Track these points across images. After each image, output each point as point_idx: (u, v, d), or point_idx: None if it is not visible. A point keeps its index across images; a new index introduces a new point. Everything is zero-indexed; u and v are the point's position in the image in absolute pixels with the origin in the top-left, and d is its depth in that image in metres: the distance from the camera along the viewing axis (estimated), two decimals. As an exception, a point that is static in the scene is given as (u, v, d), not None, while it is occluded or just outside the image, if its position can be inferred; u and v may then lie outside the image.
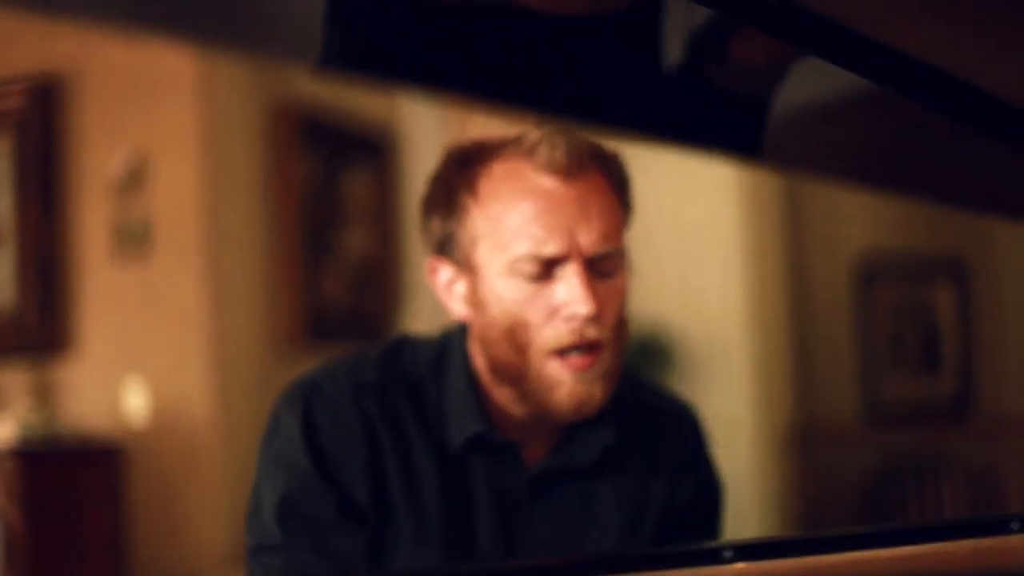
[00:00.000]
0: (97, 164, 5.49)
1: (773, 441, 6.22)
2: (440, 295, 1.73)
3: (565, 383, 1.63)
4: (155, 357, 5.31)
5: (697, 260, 6.36)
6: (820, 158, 1.64)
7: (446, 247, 1.70)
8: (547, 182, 1.63)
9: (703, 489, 1.88)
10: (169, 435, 5.06)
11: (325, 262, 5.49)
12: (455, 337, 1.76)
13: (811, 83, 1.41)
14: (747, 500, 5.99)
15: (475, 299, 1.68)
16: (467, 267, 1.67)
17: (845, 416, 6.39)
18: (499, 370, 1.67)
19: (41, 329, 5.58)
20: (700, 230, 6.36)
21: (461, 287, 1.70)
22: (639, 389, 1.88)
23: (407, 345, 1.79)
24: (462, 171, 1.68)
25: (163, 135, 5.34)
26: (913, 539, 1.36)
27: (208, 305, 5.22)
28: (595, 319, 1.62)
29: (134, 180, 5.37)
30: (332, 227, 5.51)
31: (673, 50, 1.48)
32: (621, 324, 1.69)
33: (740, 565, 1.24)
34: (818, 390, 6.43)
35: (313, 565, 1.64)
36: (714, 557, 1.25)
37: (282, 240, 5.53)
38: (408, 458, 1.69)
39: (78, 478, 5.18)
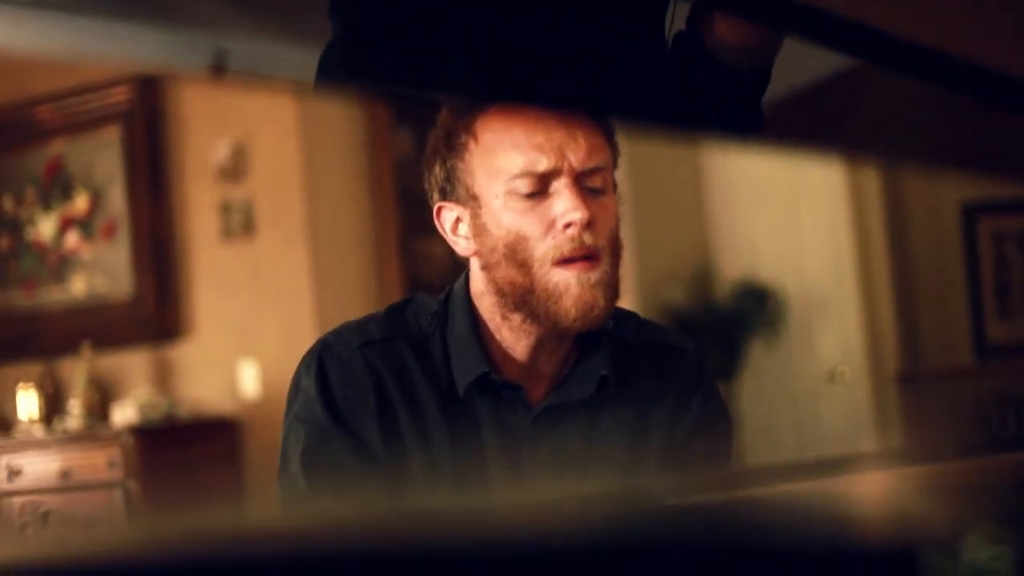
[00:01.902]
0: (202, 152, 5.61)
1: (882, 386, 6.22)
2: (447, 237, 1.83)
3: (571, 287, 1.72)
4: (266, 335, 5.43)
5: (801, 213, 6.36)
6: (822, 134, 1.69)
7: (448, 188, 1.80)
8: (536, 112, 1.72)
9: (707, 418, 1.93)
10: (281, 408, 5.17)
11: (427, 233, 5.57)
12: (458, 289, 1.87)
13: (805, 62, 1.46)
14: (856, 444, 6.00)
15: (478, 227, 1.77)
16: (468, 199, 1.77)
17: (953, 360, 6.36)
18: (507, 292, 1.76)
19: (157, 315, 5.72)
20: (805, 188, 6.36)
21: (464, 225, 1.79)
22: (640, 326, 1.95)
23: (412, 303, 1.90)
24: (459, 116, 1.78)
25: (263, 118, 5.45)
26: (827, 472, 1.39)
27: (314, 281, 5.33)
28: (589, 226, 1.71)
29: (237, 165, 5.48)
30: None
31: (667, 33, 1.54)
32: (616, 241, 1.77)
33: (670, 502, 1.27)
34: (925, 336, 6.41)
35: (337, 505, 1.78)
36: (648, 496, 1.28)
37: (382, 214, 5.62)
38: (416, 405, 1.81)
39: (196, 453, 5.33)
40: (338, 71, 1.37)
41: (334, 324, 5.58)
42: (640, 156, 6.05)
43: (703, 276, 6.37)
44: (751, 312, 6.23)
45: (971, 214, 6.36)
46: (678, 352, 1.96)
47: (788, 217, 6.41)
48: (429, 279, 5.52)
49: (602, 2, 1.49)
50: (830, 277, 6.33)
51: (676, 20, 1.53)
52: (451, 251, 1.86)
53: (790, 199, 6.39)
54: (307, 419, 1.81)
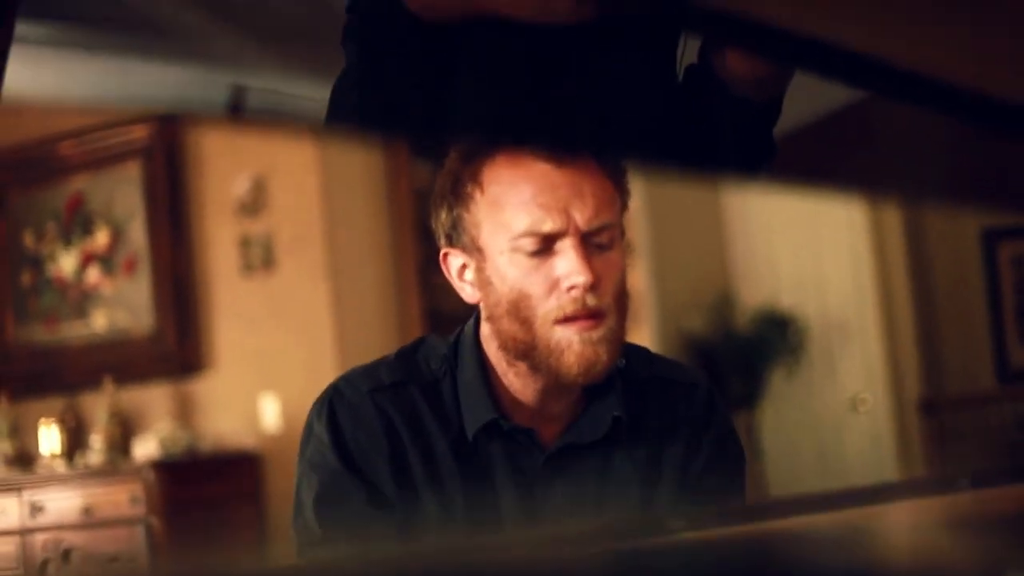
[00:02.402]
0: (221, 187, 5.63)
1: (904, 413, 6.21)
2: (453, 283, 1.83)
3: (573, 345, 1.71)
4: (287, 369, 5.44)
5: (824, 246, 6.36)
6: (836, 167, 1.68)
7: (453, 235, 1.79)
8: (543, 167, 1.72)
9: (721, 454, 1.91)
10: (304, 442, 5.18)
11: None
12: (467, 333, 1.86)
13: (811, 96, 1.46)
14: (878, 472, 5.99)
15: (482, 280, 1.77)
16: (473, 250, 1.76)
17: (976, 385, 6.35)
18: (510, 346, 1.76)
19: (178, 349, 5.74)
20: (826, 218, 6.36)
21: (470, 272, 1.79)
22: (651, 362, 1.94)
23: (422, 345, 1.89)
24: (466, 163, 1.77)
25: (282, 153, 5.47)
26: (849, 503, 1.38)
27: (334, 315, 5.34)
28: (593, 288, 1.70)
29: (257, 199, 5.50)
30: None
31: (680, 65, 1.53)
32: (622, 294, 1.76)
33: (688, 534, 1.26)
34: (947, 362, 6.40)
35: (351, 551, 1.78)
36: (660, 528, 1.27)
37: (402, 246, 5.63)
38: (428, 449, 1.81)
39: (218, 487, 5.34)
40: (350, 103, 1.37)
41: (354, 356, 5.58)
42: (659, 185, 6.05)
43: (723, 304, 6.36)
44: (772, 340, 6.23)
45: (991, 239, 6.36)
46: (690, 387, 1.94)
47: (808, 244, 6.41)
48: (449, 311, 5.52)
49: (614, 38, 1.48)
50: (851, 304, 6.33)
51: (687, 54, 1.52)
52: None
53: (810, 226, 6.39)
54: (320, 465, 1.81)
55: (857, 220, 6.29)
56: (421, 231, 5.66)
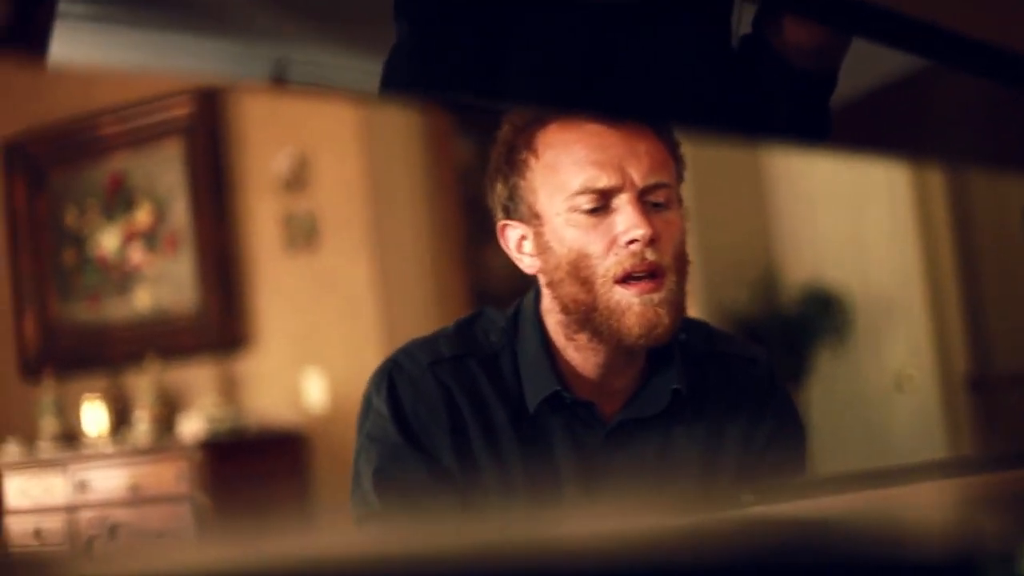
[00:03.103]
0: (263, 164, 5.63)
1: (951, 390, 6.16)
2: (512, 255, 1.82)
3: (633, 306, 1.70)
4: (331, 345, 5.44)
5: (868, 221, 6.32)
6: (887, 137, 1.66)
7: (510, 205, 1.79)
8: (596, 127, 1.71)
9: (781, 430, 1.90)
10: (348, 419, 5.18)
11: (490, 241, 5.56)
12: (527, 305, 1.85)
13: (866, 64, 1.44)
14: (925, 450, 5.95)
15: (541, 245, 1.76)
16: (531, 217, 1.76)
17: (1020, 362, 6.29)
18: (571, 310, 1.75)
19: (222, 326, 5.75)
20: (869, 192, 6.32)
21: (529, 241, 1.78)
22: (711, 337, 1.93)
23: (480, 318, 1.89)
24: (520, 132, 1.77)
25: (324, 130, 5.46)
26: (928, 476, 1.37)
27: (378, 292, 5.34)
28: (652, 243, 1.69)
29: (299, 176, 5.50)
30: (493, 207, 5.57)
31: (731, 36, 1.51)
32: (681, 256, 1.75)
33: (760, 508, 1.25)
34: (994, 338, 6.35)
35: (411, 523, 1.77)
36: (733, 501, 1.26)
37: (445, 223, 5.62)
38: (488, 422, 1.80)
39: (263, 464, 5.35)
40: (403, 76, 1.36)
41: (398, 334, 5.59)
42: (702, 160, 6.02)
43: (768, 281, 6.33)
44: (817, 317, 6.19)
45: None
46: (751, 362, 1.93)
47: (853, 220, 6.36)
48: (492, 288, 5.52)
49: (667, 6, 1.46)
50: (897, 280, 6.28)
51: (742, 23, 1.50)
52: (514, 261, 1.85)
53: (855, 202, 6.35)
54: (379, 438, 1.80)
55: (902, 195, 6.24)
56: (465, 207, 5.65)
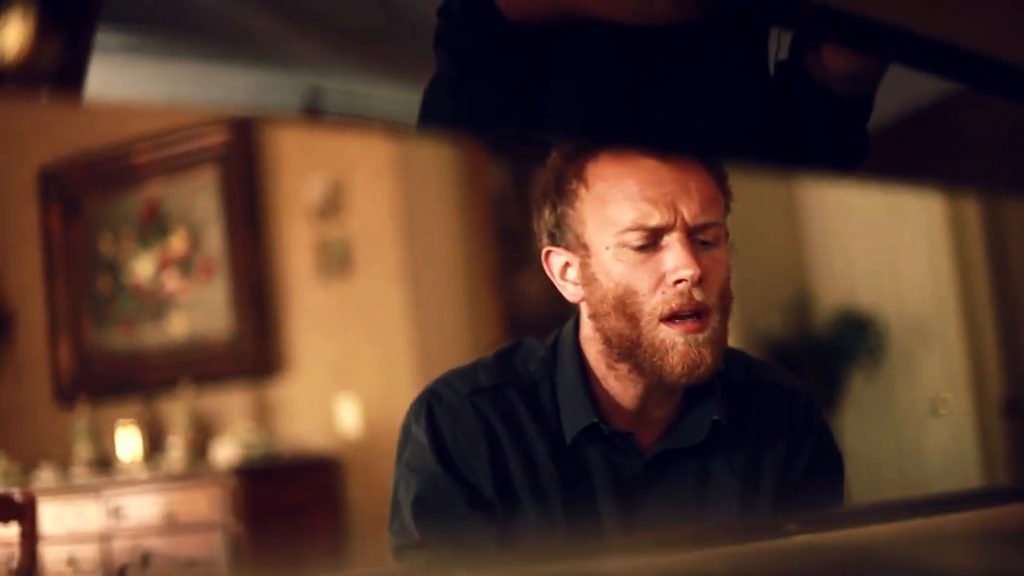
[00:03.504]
0: (296, 190, 5.65)
1: (985, 414, 6.12)
2: (556, 282, 1.82)
3: (677, 346, 1.69)
4: (364, 372, 5.44)
5: (902, 246, 6.29)
6: (919, 163, 1.65)
7: (557, 233, 1.78)
8: (648, 162, 1.70)
9: (819, 460, 1.89)
10: (382, 445, 5.18)
11: (523, 268, 5.57)
12: (567, 334, 1.85)
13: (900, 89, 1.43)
14: (962, 473, 5.91)
15: (587, 276, 1.76)
16: (578, 247, 1.75)
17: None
18: (614, 343, 1.75)
19: (256, 352, 5.76)
20: (904, 217, 6.29)
21: (574, 269, 1.78)
22: (749, 367, 1.92)
23: (519, 348, 1.88)
24: (570, 161, 1.76)
25: (357, 156, 5.47)
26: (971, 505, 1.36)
27: (412, 318, 5.34)
28: (700, 283, 1.68)
29: (333, 203, 5.51)
30: (528, 233, 5.58)
31: (771, 62, 1.51)
32: (726, 294, 1.74)
33: (805, 537, 1.25)
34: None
35: (450, 554, 1.76)
36: (778, 530, 1.26)
37: (479, 250, 5.62)
38: (527, 452, 1.80)
39: (297, 491, 5.35)
40: (442, 110, 1.36)
41: (432, 360, 5.57)
42: (736, 181, 5.97)
43: (801, 304, 6.31)
44: (851, 341, 6.17)
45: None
46: (789, 393, 1.92)
47: (887, 242, 6.34)
48: (526, 315, 5.51)
49: (704, 36, 1.47)
50: (931, 304, 6.25)
51: (780, 50, 1.50)
52: (549, 288, 1.84)
53: (888, 224, 6.32)
54: (419, 468, 1.80)
55: (936, 218, 6.22)
56: (499, 235, 5.65)
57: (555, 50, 1.43)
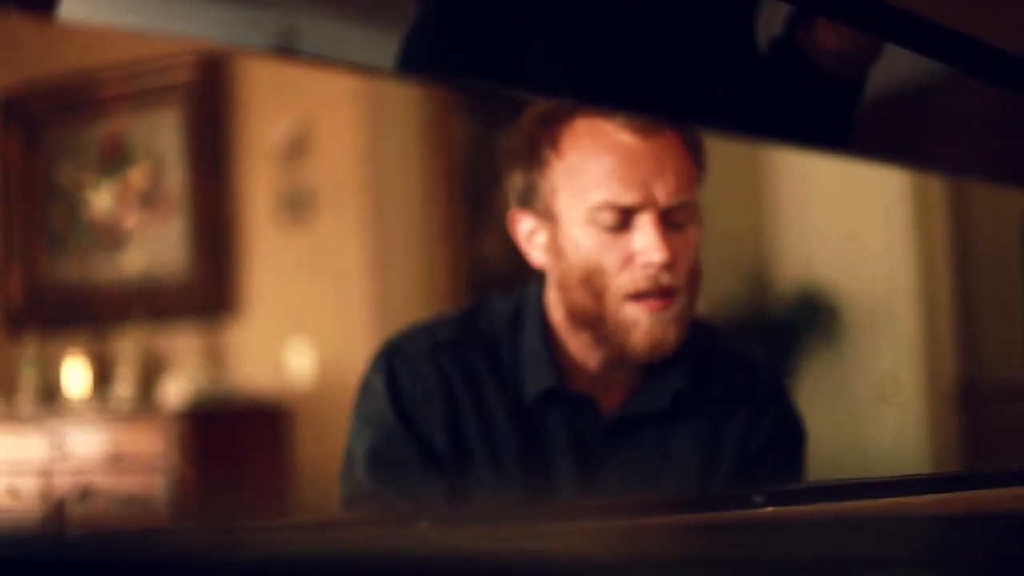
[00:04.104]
0: (262, 133, 5.61)
1: (939, 399, 6.16)
2: (521, 245, 1.81)
3: (641, 323, 1.69)
4: (319, 319, 5.42)
5: (864, 223, 6.31)
6: (891, 144, 1.64)
7: (527, 198, 1.77)
8: (625, 138, 1.69)
9: (780, 431, 1.90)
10: (333, 394, 5.18)
11: (485, 221, 5.55)
12: (531, 295, 1.84)
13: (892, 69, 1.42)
14: (913, 458, 5.95)
15: (555, 247, 1.75)
16: (547, 216, 1.74)
17: (1014, 373, 6.29)
18: (577, 315, 1.74)
19: (211, 293, 5.73)
20: (867, 194, 6.30)
21: (542, 236, 1.77)
22: (713, 336, 1.93)
23: (484, 305, 1.88)
24: (544, 126, 1.75)
25: (325, 103, 5.44)
26: (938, 488, 1.36)
27: (371, 267, 5.32)
28: (669, 266, 1.67)
29: (297, 148, 5.48)
30: (491, 187, 5.56)
31: (760, 35, 1.49)
32: (694, 273, 1.75)
33: (770, 509, 1.26)
34: (985, 348, 6.34)
35: (400, 508, 1.76)
36: (745, 502, 1.26)
37: (442, 201, 5.60)
38: (485, 410, 1.79)
39: (245, 436, 5.33)
40: (423, 55, 1.34)
41: (388, 311, 5.55)
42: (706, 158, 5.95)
43: (760, 280, 6.32)
44: (807, 320, 6.19)
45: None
46: (752, 363, 1.93)
47: (849, 223, 6.35)
48: (486, 270, 5.50)
49: (693, 6, 1.45)
50: (889, 285, 6.28)
51: (772, 22, 1.48)
52: (510, 244, 1.83)
53: (852, 204, 6.34)
54: (375, 419, 1.79)
55: (899, 200, 6.23)
56: (462, 188, 5.63)
57: (542, 4, 1.41)
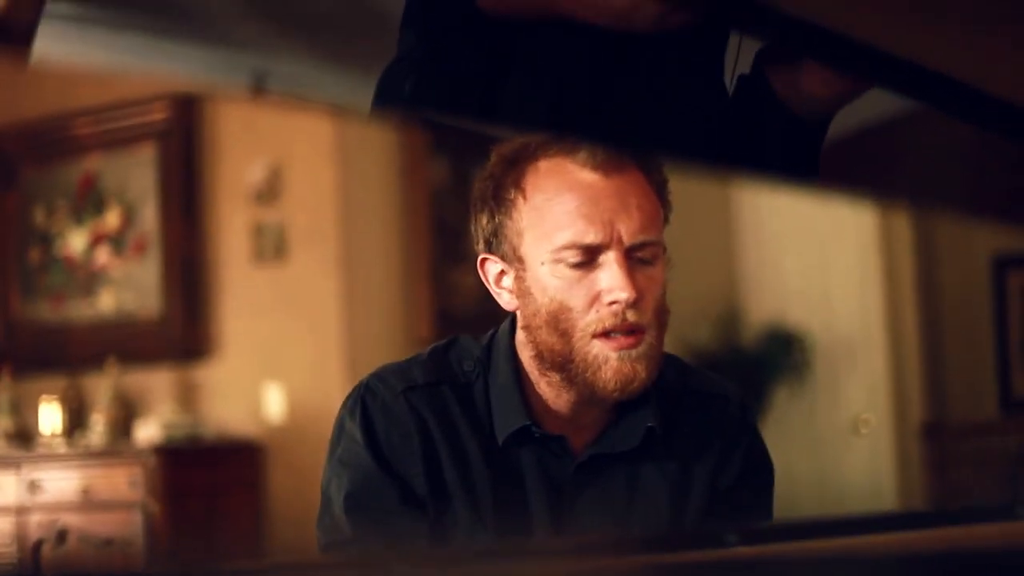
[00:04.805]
0: (236, 174, 5.63)
1: (906, 435, 6.19)
2: (491, 289, 1.81)
3: (610, 361, 1.69)
4: (293, 359, 5.43)
5: (832, 263, 6.35)
6: (859, 178, 1.67)
7: (494, 241, 1.77)
8: (588, 176, 1.69)
9: (751, 469, 1.89)
10: (306, 434, 5.18)
11: (458, 263, 5.57)
12: (502, 336, 1.84)
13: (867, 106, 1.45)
14: (880, 492, 5.98)
15: (521, 289, 1.75)
16: (514, 259, 1.74)
17: (978, 412, 6.33)
18: (546, 356, 1.74)
19: (184, 334, 5.73)
20: (835, 234, 6.35)
21: (509, 279, 1.77)
22: (684, 373, 1.91)
23: (454, 345, 1.87)
24: (509, 168, 1.75)
25: (298, 143, 5.47)
26: (916, 524, 1.38)
27: (344, 307, 5.33)
28: (635, 304, 1.68)
29: (271, 188, 5.50)
30: (465, 228, 5.58)
31: (731, 74, 1.52)
32: (661, 310, 1.74)
33: (743, 548, 1.26)
34: (951, 387, 6.38)
35: (379, 550, 1.76)
36: (718, 541, 1.27)
37: (415, 242, 5.62)
38: (460, 451, 1.79)
39: (218, 474, 5.33)
40: (403, 90, 1.37)
41: (361, 350, 5.55)
42: (671, 195, 5.96)
43: (730, 318, 6.35)
44: (777, 357, 6.22)
45: (1002, 267, 6.34)
46: (723, 400, 1.92)
47: (818, 261, 6.40)
48: (459, 310, 5.52)
49: (667, 43, 1.47)
50: (858, 324, 6.32)
51: (740, 61, 1.51)
52: (483, 285, 1.84)
53: (821, 243, 6.38)
54: (351, 463, 1.79)
55: (867, 239, 6.28)
56: (436, 228, 5.65)
57: (521, 42, 1.44)
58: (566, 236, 1.70)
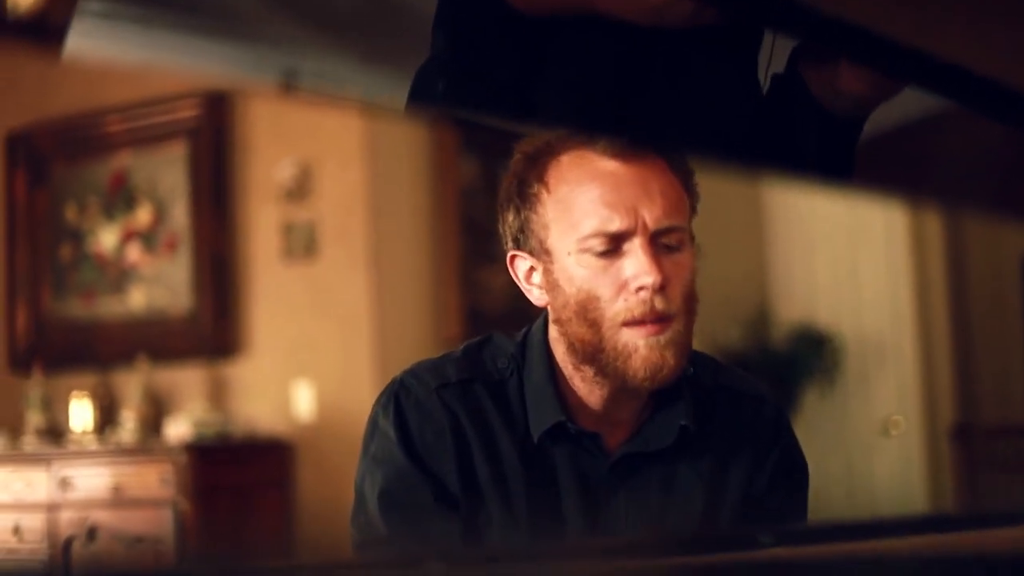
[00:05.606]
0: (266, 171, 5.64)
1: (936, 438, 6.16)
2: (521, 286, 1.81)
3: (639, 349, 1.69)
4: (322, 357, 5.44)
5: (863, 263, 6.33)
6: (891, 178, 1.66)
7: (521, 238, 1.77)
8: (610, 165, 1.70)
9: (786, 471, 1.89)
10: (335, 432, 5.19)
11: (487, 262, 5.57)
12: (535, 333, 1.84)
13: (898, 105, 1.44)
14: (911, 494, 5.95)
15: (550, 282, 1.75)
16: (541, 252, 1.75)
17: (1010, 413, 6.30)
18: (577, 348, 1.74)
19: (215, 331, 5.75)
20: (866, 234, 6.32)
21: (538, 275, 1.77)
22: (719, 372, 1.92)
23: (488, 343, 1.87)
24: (532, 164, 1.76)
25: (329, 141, 5.47)
26: (948, 527, 1.37)
27: (373, 306, 5.34)
28: (662, 290, 1.68)
29: (302, 186, 5.51)
30: (494, 223, 5.57)
31: (765, 72, 1.51)
32: (690, 298, 1.73)
33: (778, 550, 1.26)
34: (982, 388, 6.35)
35: (414, 548, 1.75)
36: (753, 543, 1.27)
37: (445, 241, 5.62)
38: (494, 449, 1.79)
39: (248, 472, 5.34)
40: (435, 90, 1.36)
41: (391, 348, 5.56)
42: (702, 192, 5.93)
43: (760, 319, 6.34)
44: (807, 358, 6.20)
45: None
46: (757, 401, 1.92)
47: (848, 262, 6.38)
48: (488, 308, 5.52)
49: (700, 40, 1.47)
50: (888, 325, 6.29)
51: (773, 59, 1.50)
52: (513, 282, 1.84)
53: (851, 244, 6.36)
54: (385, 460, 1.79)
55: (898, 239, 6.26)
56: (465, 227, 5.65)
57: (554, 41, 1.43)
58: (591, 225, 1.70)
